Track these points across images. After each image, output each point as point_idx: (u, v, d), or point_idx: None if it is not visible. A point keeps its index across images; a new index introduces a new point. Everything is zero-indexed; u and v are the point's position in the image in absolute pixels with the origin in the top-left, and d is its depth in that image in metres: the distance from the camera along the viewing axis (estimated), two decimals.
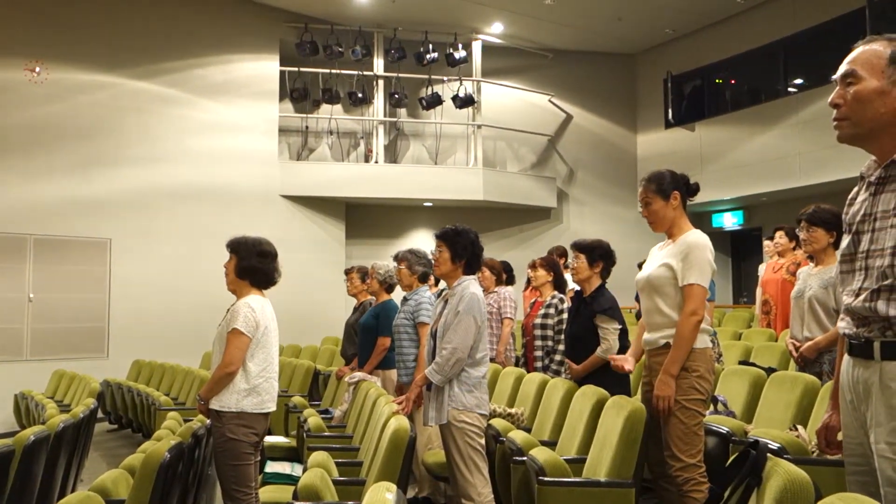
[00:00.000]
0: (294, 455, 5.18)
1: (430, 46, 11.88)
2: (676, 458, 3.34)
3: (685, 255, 3.44)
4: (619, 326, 4.48)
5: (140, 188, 10.29)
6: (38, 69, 9.77)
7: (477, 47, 12.60)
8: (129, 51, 10.40)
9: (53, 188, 9.74)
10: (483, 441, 3.89)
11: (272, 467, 4.62)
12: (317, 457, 3.63)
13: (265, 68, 11.48)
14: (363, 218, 12.22)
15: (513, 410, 4.72)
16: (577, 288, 4.86)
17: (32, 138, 9.68)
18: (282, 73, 11.63)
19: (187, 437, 3.84)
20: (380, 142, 12.21)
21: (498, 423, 4.33)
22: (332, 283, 11.17)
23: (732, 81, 13.00)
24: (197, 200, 10.63)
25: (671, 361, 3.36)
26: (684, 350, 3.36)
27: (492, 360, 5.59)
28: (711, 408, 4.02)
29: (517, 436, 3.98)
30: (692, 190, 3.69)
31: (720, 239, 12.77)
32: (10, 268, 9.41)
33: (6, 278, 9.37)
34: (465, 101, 12.12)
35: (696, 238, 3.50)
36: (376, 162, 12.14)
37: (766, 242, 6.84)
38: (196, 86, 10.92)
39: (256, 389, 3.80)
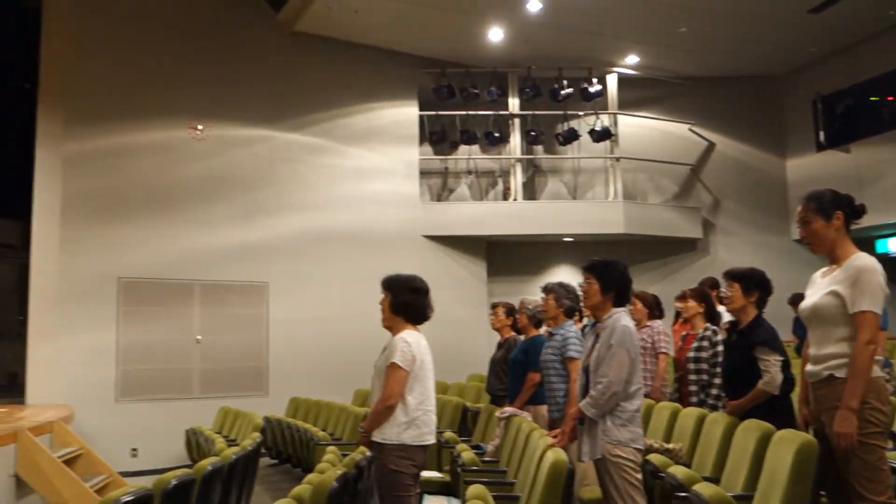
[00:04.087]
0: (448, 489, 5.25)
1: (565, 82, 11.94)
2: (862, 497, 3.12)
3: (854, 280, 3.24)
4: (781, 358, 4.28)
5: (293, 234, 10.87)
6: (199, 127, 10.57)
7: (612, 80, 12.54)
8: (281, 107, 11.08)
9: (216, 237, 10.45)
10: (640, 476, 3.82)
11: (430, 501, 4.70)
12: (475, 490, 3.67)
13: (405, 114, 11.92)
14: (504, 255, 12.33)
15: (670, 445, 4.60)
16: (732, 319, 4.70)
17: (196, 191, 10.45)
18: (421, 118, 12.03)
19: (351, 468, 4.00)
20: (518, 179, 12.33)
21: (655, 458, 4.23)
22: (475, 321, 11.33)
23: (890, 98, 12.23)
24: (345, 243, 11.10)
25: (850, 395, 3.13)
26: (863, 382, 3.13)
27: (646, 395, 5.47)
28: (890, 444, 3.75)
29: (678, 471, 3.87)
30: (857, 211, 3.46)
31: (887, 265, 11.89)
32: (180, 311, 10.15)
33: (176, 321, 10.11)
34: (601, 135, 12.06)
35: (865, 261, 3.29)
36: (515, 199, 12.26)
37: None
38: (342, 135, 11.48)
39: (415, 422, 3.92)
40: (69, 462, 6.63)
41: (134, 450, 9.45)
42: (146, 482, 3.84)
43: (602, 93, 12.20)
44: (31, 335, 9.56)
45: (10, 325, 12.27)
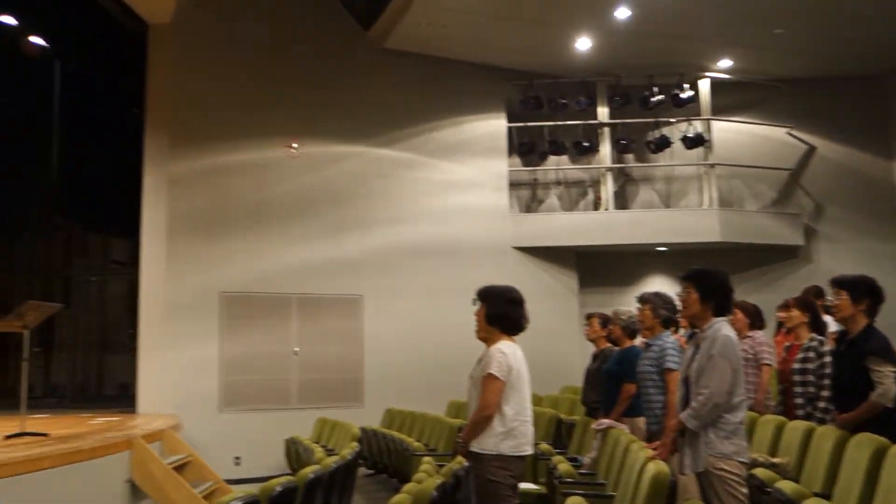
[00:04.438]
0: (545, 501, 5.23)
1: (655, 89, 11.75)
2: None
3: None
4: (895, 369, 4.09)
5: (385, 247, 11.07)
6: (294, 145, 10.92)
7: (704, 85, 12.25)
8: (371, 123, 11.32)
9: (311, 251, 10.75)
10: (746, 490, 3.71)
11: None
12: (574, 501, 3.65)
13: (493, 126, 11.98)
14: (595, 266, 12.18)
15: (776, 460, 4.45)
16: (840, 329, 4.52)
17: (291, 208, 10.79)
18: (509, 129, 12.05)
19: (448, 478, 4.04)
20: (609, 189, 12.19)
21: (761, 472, 4.10)
22: (567, 333, 11.25)
23: None
24: (435, 256, 11.22)
25: None
26: None
27: (749, 408, 5.32)
28: None
29: (786, 486, 3.74)
30: None
31: None
32: (278, 324, 10.47)
33: (275, 334, 10.44)
34: (694, 141, 11.79)
35: None
36: (606, 209, 12.12)
37: None
38: (431, 148, 11.63)
39: (513, 432, 3.93)
40: (178, 469, 6.92)
41: (237, 458, 9.78)
42: (251, 489, 3.99)
43: (694, 98, 11.94)
44: (141, 348, 10.07)
45: (122, 339, 12.93)
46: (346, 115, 11.21)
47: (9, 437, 6.14)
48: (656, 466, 3.47)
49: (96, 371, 12.90)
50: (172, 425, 7.95)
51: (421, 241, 11.25)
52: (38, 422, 7.27)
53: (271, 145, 10.80)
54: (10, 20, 9.53)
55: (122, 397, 12.33)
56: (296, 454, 8.77)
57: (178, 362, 9.89)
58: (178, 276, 10.11)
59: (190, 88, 10.53)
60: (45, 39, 10.23)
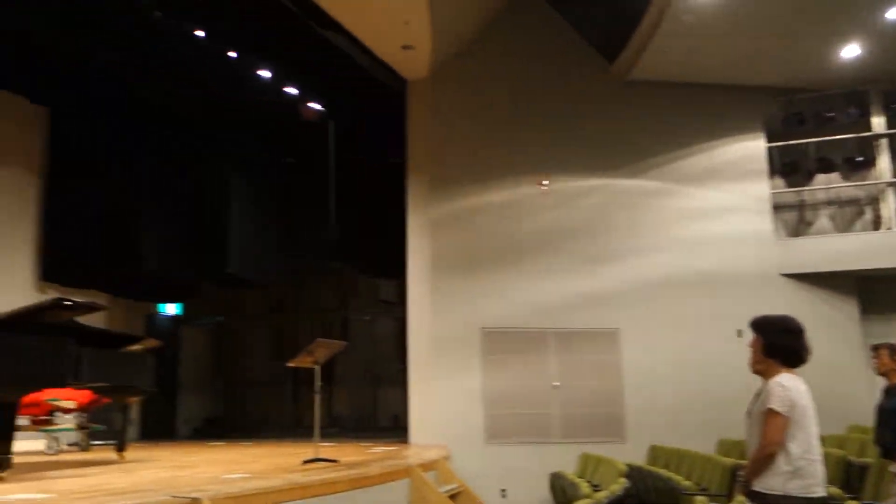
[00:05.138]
0: None
1: None
2: None
3: None
4: None
5: (639, 278, 10.87)
6: (545, 182, 11.16)
7: None
8: (618, 154, 11.27)
9: (564, 285, 10.85)
10: None
11: None
12: None
13: (751, 148, 11.35)
14: (879, 291, 10.98)
15: None
16: None
17: (543, 243, 11.00)
18: (769, 150, 11.36)
19: None
20: (890, 206, 11.00)
21: None
22: (849, 365, 10.26)
23: None
24: (695, 286, 10.79)
25: None
26: None
27: None
28: None
29: None
30: None
31: None
32: (536, 359, 10.65)
33: (534, 368, 10.62)
34: None
35: None
36: (889, 228, 10.94)
37: None
38: (682, 175, 11.29)
39: (800, 472, 3.67)
40: (452, 498, 7.25)
41: (503, 490, 10.02)
42: None
43: None
44: (410, 381, 10.75)
45: (392, 373, 13.88)
46: (593, 147, 11.28)
47: (305, 461, 6.84)
48: None
49: (371, 403, 13.91)
50: (444, 456, 8.35)
51: (676, 271, 10.90)
52: (326, 449, 8.00)
53: (522, 183, 11.14)
54: (293, 90, 10.82)
55: (395, 428, 13.20)
56: (561, 489, 8.80)
57: (445, 395, 10.43)
58: (442, 312, 10.71)
59: (445, 135, 11.25)
60: (320, 104, 11.45)
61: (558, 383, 10.54)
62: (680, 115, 11.43)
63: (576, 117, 11.32)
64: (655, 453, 9.76)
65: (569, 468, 9.67)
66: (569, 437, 10.37)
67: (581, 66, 11.46)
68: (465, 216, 11.07)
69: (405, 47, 10.56)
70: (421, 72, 11.33)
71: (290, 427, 14.01)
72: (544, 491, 9.61)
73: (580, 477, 8.82)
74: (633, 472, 8.79)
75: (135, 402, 8.34)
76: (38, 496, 4.60)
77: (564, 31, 11.55)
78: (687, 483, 7.38)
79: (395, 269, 11.70)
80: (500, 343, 10.63)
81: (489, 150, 11.20)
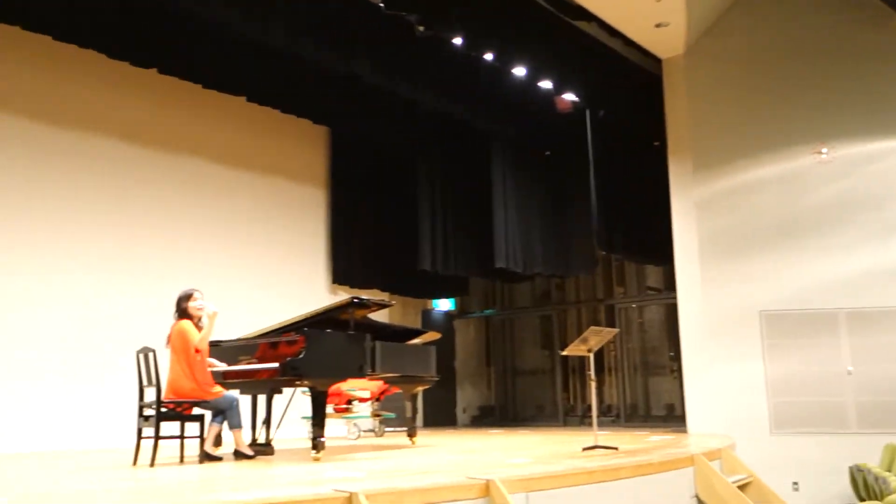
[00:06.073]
0: None
1: None
2: None
3: None
4: None
5: None
6: (824, 150, 10.26)
7: None
8: None
9: (852, 261, 9.88)
10: None
11: None
12: None
13: None
14: None
15: None
16: None
17: (824, 216, 10.12)
18: None
19: None
20: None
21: None
22: None
23: None
24: None
25: None
26: None
27: None
28: None
29: None
30: None
31: None
32: (825, 342, 9.83)
33: (822, 352, 9.81)
34: None
35: None
36: None
37: None
38: None
39: None
40: (740, 489, 6.95)
41: (795, 483, 9.40)
42: None
43: None
44: (685, 369, 10.44)
45: (663, 361, 13.57)
46: (879, 108, 10.14)
47: (585, 448, 6.94)
48: None
49: (643, 391, 13.72)
50: (728, 445, 8.03)
51: None
52: (603, 437, 8.04)
53: (798, 154, 10.34)
54: (548, 84, 10.98)
55: (669, 417, 12.89)
56: (864, 483, 8.07)
57: (723, 383, 10.01)
58: (714, 297, 10.29)
59: (706, 112, 10.76)
60: (575, 94, 11.49)
61: (852, 368, 9.65)
62: None
63: (857, 75, 10.25)
64: None
65: (870, 461, 8.81)
66: (869, 426, 9.44)
67: (855, 18, 10.35)
68: (734, 196, 10.51)
69: (658, 25, 10.29)
70: (676, 49, 10.95)
71: (561, 415, 14.26)
72: (841, 485, 8.87)
73: (888, 470, 8.01)
74: None
75: (420, 391, 8.98)
76: (355, 474, 5.16)
77: None
78: None
79: (662, 255, 11.43)
80: (782, 326, 9.96)
81: (756, 124, 10.51)
